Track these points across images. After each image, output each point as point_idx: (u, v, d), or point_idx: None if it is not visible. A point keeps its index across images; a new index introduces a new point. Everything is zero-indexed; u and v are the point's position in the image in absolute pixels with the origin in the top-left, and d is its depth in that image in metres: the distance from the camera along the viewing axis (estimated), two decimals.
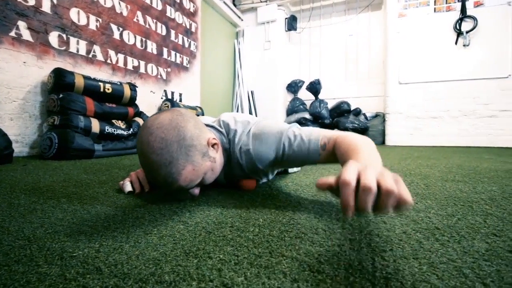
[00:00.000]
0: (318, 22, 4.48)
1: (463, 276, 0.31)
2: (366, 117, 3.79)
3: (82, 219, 0.52)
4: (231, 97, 4.40)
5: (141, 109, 2.39)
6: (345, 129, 3.57)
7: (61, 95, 1.67)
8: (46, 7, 1.73)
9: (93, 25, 2.04)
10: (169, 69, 2.85)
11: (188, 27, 3.14)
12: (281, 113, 4.45)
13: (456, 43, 3.14)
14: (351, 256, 0.36)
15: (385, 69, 3.57)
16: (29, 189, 0.78)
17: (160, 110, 2.69)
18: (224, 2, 3.90)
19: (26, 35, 1.65)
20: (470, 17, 3.06)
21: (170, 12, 2.85)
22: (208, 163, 0.60)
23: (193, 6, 3.23)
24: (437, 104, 3.25)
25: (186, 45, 3.12)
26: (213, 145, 0.62)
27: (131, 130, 2.02)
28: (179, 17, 2.98)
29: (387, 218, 0.53)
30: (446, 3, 3.19)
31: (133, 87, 2.10)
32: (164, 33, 2.76)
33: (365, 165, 0.34)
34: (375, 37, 4.09)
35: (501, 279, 0.30)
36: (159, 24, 2.69)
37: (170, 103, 2.64)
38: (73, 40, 1.90)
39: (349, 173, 0.32)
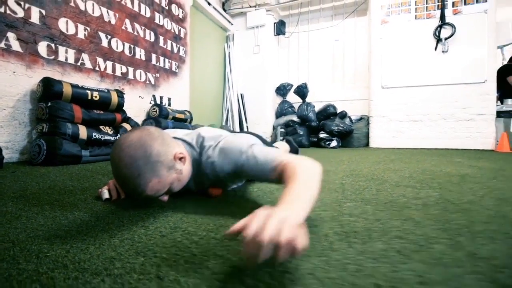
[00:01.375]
0: (306, 27, 4.59)
1: (339, 270, 0.41)
2: (351, 120, 3.92)
3: (60, 224, 0.61)
4: (221, 100, 4.49)
5: (130, 114, 2.47)
6: (331, 131, 3.68)
7: (49, 104, 1.74)
8: (35, 18, 1.80)
9: (81, 34, 2.11)
10: (157, 75, 2.93)
11: (177, 32, 3.22)
12: (270, 116, 4.56)
13: (435, 49, 3.28)
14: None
15: (369, 73, 3.69)
16: (16, 197, 0.86)
17: (148, 115, 2.78)
18: (214, 8, 3.98)
19: (16, 45, 1.71)
20: (448, 24, 3.20)
21: (159, 19, 2.93)
22: (174, 175, 0.69)
23: (182, 12, 3.31)
24: (418, 108, 3.39)
25: (175, 50, 3.20)
26: (180, 158, 0.72)
27: (118, 135, 2.10)
28: (167, 24, 3.06)
29: (319, 222, 0.63)
30: (427, 11, 3.33)
31: (120, 94, 2.17)
32: (152, 39, 2.84)
33: (269, 218, 0.37)
34: (360, 43, 4.22)
35: (372, 275, 0.40)
36: (147, 31, 2.77)
37: (158, 108, 2.72)
38: (61, 49, 1.98)
39: (251, 228, 0.36)
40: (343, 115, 4.02)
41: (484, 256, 0.45)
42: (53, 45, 1.92)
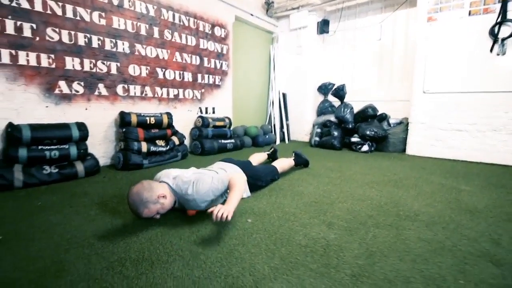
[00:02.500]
0: (351, 24, 4.43)
1: (247, 270, 0.95)
2: (389, 124, 3.81)
3: (106, 228, 1.31)
4: (265, 101, 4.94)
5: (180, 124, 3.27)
6: (363, 136, 3.72)
7: (124, 129, 2.64)
8: (113, 70, 2.67)
9: (144, 73, 2.92)
10: (203, 90, 3.62)
11: (219, 51, 3.79)
12: (310, 115, 4.77)
13: (491, 50, 2.84)
14: (209, 254, 1.02)
15: (412, 76, 3.47)
16: (97, 202, 1.66)
17: (195, 124, 3.52)
18: (257, 17, 4.32)
19: (104, 91, 2.63)
20: (510, 21, 2.71)
21: (203, 43, 3.54)
22: (158, 206, 1.33)
23: (225, 31, 3.83)
24: (463, 117, 3.08)
25: (218, 66, 3.79)
26: (162, 196, 1.34)
27: (168, 146, 2.91)
28: (211, 45, 3.65)
29: (257, 238, 1.15)
30: (484, 4, 2.86)
31: (169, 115, 2.95)
32: (198, 62, 3.50)
33: (221, 207, 1.17)
34: (408, 41, 3.87)
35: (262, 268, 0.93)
36: (193, 57, 3.43)
37: (202, 119, 3.44)
38: (131, 87, 2.84)
39: (214, 211, 1.13)
40: (382, 118, 3.93)
41: None
42: (126, 85, 2.79)
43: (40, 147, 2.08)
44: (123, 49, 2.72)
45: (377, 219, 1.50)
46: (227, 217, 1.17)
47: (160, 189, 1.37)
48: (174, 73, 3.23)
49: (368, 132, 3.69)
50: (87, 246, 1.20)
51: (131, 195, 1.29)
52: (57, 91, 2.32)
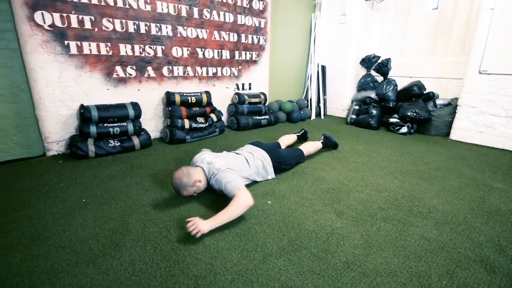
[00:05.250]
0: None
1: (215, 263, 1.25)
2: (435, 104, 3.52)
3: (160, 199, 1.69)
4: (304, 74, 4.84)
5: (218, 101, 3.53)
6: (404, 116, 3.54)
7: (169, 108, 2.98)
8: (159, 53, 2.94)
9: (185, 54, 3.14)
10: (240, 67, 3.73)
11: (257, 25, 3.76)
12: (348, 90, 4.60)
13: None
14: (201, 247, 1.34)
15: (469, 53, 3.08)
16: (150, 174, 2.06)
17: (232, 100, 3.74)
18: None
19: (152, 73, 2.95)
20: None
21: (241, 19, 3.55)
22: (194, 188, 1.65)
23: (263, 3, 3.74)
24: None
25: (255, 41, 3.81)
26: (199, 181, 1.65)
27: (207, 123, 3.21)
28: (248, 20, 3.64)
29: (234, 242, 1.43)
30: None
31: (208, 94, 3.20)
32: (235, 39, 3.57)
33: (195, 221, 1.30)
34: (472, 12, 3.32)
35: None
36: (231, 34, 3.50)
37: (238, 96, 3.63)
38: (175, 68, 3.10)
39: (190, 223, 1.31)
40: (429, 97, 3.64)
41: None
42: (170, 67, 3.06)
43: (105, 124, 2.53)
44: (167, 32, 2.94)
45: (387, 212, 1.61)
46: (196, 233, 1.28)
47: (196, 174, 1.66)
48: (213, 52, 3.39)
49: (409, 113, 3.49)
50: (144, 213, 1.59)
51: (174, 179, 1.61)
52: (114, 75, 2.70)
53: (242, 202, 1.46)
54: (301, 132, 2.93)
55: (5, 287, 1.05)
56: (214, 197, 1.78)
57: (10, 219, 1.50)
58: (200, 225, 1.30)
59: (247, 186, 1.80)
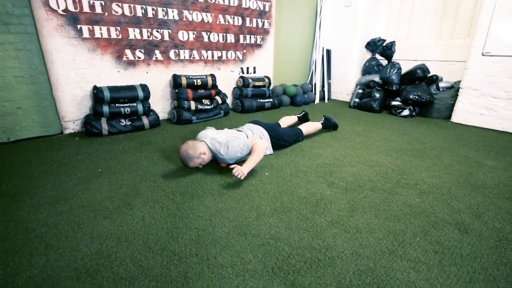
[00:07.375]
0: None
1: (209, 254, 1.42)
2: (438, 87, 3.53)
3: (167, 171, 1.86)
4: (309, 58, 4.86)
5: (223, 84, 3.65)
6: (406, 99, 3.57)
7: (176, 90, 3.12)
8: (166, 37, 3.05)
9: (191, 37, 3.24)
10: (244, 51, 3.81)
11: (262, 8, 3.80)
12: (353, 74, 4.61)
13: None
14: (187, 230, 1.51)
15: (473, 34, 3.06)
16: (159, 150, 2.23)
17: (236, 84, 3.84)
18: None
19: (159, 56, 3.07)
20: None
21: (245, 2, 3.60)
22: (199, 160, 1.81)
23: None
24: None
25: (260, 25, 3.86)
26: (204, 153, 1.80)
27: (213, 105, 3.34)
28: (253, 4, 3.68)
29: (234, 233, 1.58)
30: None
31: (213, 77, 3.31)
32: (240, 23, 3.63)
33: (239, 167, 1.61)
34: None
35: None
36: (235, 18, 3.56)
37: (242, 79, 3.72)
38: (181, 51, 3.22)
39: (234, 170, 1.59)
40: (432, 80, 3.64)
41: None
42: (177, 50, 3.18)
43: (117, 104, 2.70)
44: (173, 16, 3.03)
45: (376, 183, 1.73)
46: (240, 176, 1.59)
47: (201, 147, 1.81)
48: (218, 35, 3.47)
49: (411, 96, 3.52)
50: (153, 180, 1.76)
51: (181, 152, 1.77)
52: (124, 58, 2.85)
53: (261, 147, 1.79)
54: (302, 114, 3.03)
55: (36, 235, 1.25)
56: (218, 168, 1.93)
57: (35, 184, 1.70)
58: (242, 169, 1.61)
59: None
